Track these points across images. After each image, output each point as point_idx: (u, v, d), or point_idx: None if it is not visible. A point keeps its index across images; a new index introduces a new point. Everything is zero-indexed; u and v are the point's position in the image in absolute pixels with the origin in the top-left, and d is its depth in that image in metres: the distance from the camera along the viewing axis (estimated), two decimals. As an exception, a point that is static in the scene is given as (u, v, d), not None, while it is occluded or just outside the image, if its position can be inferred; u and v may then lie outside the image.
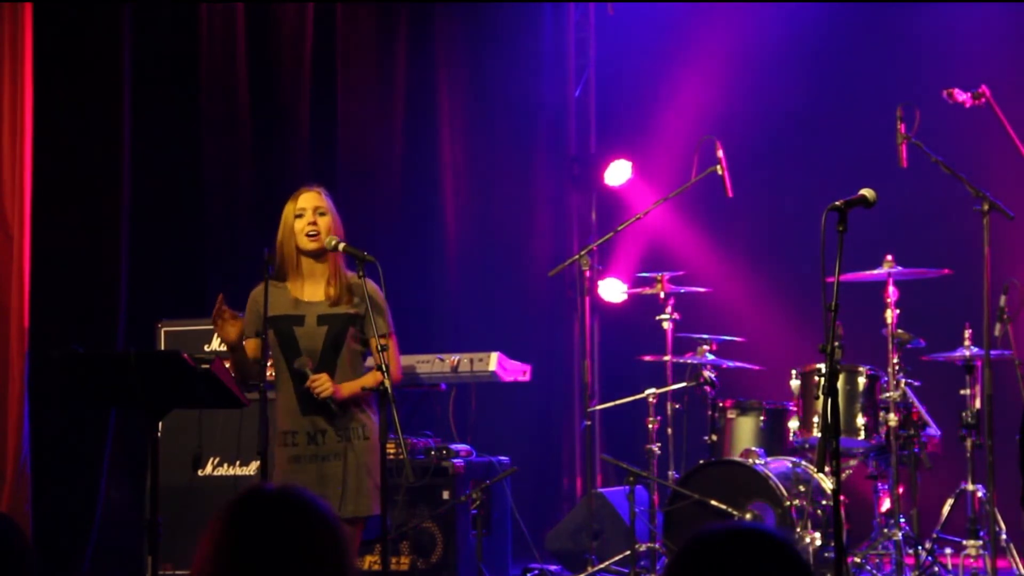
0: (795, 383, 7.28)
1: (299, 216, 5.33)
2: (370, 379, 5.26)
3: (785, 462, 7.13)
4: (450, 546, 7.06)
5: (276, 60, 8.38)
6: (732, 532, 2.17)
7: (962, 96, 6.55)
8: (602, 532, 7.45)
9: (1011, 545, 6.85)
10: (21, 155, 7.14)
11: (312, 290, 5.34)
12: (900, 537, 6.84)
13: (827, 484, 6.92)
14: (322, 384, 5.21)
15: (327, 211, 5.34)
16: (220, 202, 8.07)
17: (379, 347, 5.10)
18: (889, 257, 7.10)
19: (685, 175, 7.39)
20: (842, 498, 5.58)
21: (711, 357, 7.51)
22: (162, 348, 6.94)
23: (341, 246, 5.28)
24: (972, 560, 6.91)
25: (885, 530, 6.97)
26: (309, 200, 5.35)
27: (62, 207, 7.46)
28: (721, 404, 7.52)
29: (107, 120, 7.52)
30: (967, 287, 7.09)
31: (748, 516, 6.83)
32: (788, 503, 6.79)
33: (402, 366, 5.53)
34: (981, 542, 6.89)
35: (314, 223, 5.30)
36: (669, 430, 7.57)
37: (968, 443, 6.99)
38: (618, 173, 9.80)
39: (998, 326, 6.69)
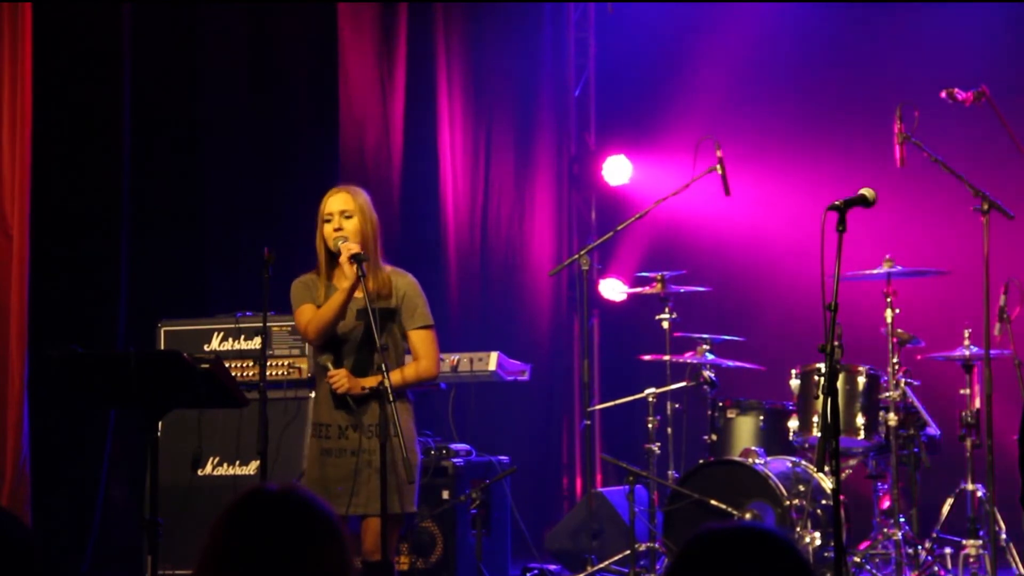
0: (795, 383, 7.27)
1: (327, 221, 5.40)
2: (371, 379, 5.28)
3: (785, 462, 7.13)
4: (450, 546, 7.05)
5: (276, 59, 8.37)
6: (733, 532, 2.17)
7: (962, 96, 6.54)
8: (602, 532, 7.45)
9: (1011, 545, 6.85)
10: (21, 155, 7.12)
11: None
12: (900, 537, 6.84)
13: (827, 484, 6.92)
14: (338, 380, 5.31)
15: (354, 212, 5.40)
16: (220, 202, 8.07)
17: (380, 348, 5.14)
18: (889, 257, 7.09)
19: (685, 174, 7.39)
20: (842, 498, 5.58)
21: (711, 357, 7.51)
22: (162, 348, 6.94)
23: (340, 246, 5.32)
24: (972, 560, 6.91)
25: (885, 530, 6.97)
26: (335, 203, 5.43)
27: (62, 207, 7.45)
28: (721, 404, 7.51)
29: (106, 120, 7.51)
30: (967, 287, 7.10)
31: (748, 516, 6.83)
32: (788, 503, 6.78)
33: (438, 359, 5.55)
34: (981, 542, 6.89)
35: (340, 228, 5.37)
36: (669, 430, 7.57)
37: (968, 443, 6.99)
38: (617, 170, 9.80)
39: (998, 326, 6.69)
